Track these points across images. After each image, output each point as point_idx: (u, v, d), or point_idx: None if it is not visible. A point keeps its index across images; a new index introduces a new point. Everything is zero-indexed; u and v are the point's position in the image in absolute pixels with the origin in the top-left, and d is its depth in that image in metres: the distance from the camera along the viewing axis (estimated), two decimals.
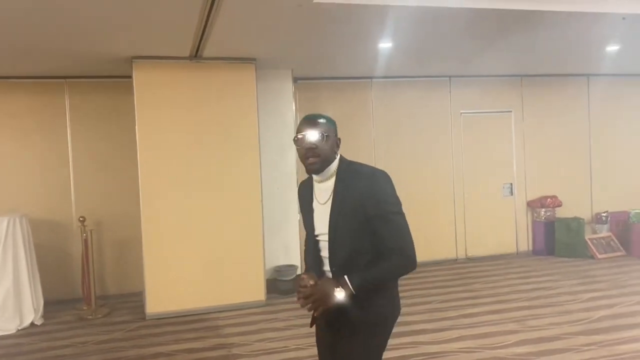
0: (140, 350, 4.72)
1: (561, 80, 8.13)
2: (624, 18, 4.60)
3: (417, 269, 2.22)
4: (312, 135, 2.14)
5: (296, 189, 6.53)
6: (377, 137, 7.44)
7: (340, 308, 2.06)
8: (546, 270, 7.01)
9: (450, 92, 7.75)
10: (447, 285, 6.43)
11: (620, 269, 6.93)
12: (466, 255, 7.83)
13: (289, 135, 6.42)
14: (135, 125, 5.55)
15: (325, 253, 2.21)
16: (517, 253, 8.05)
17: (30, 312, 5.53)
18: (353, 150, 6.24)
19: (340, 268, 2.12)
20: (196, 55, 5.57)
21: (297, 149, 2.21)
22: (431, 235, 7.53)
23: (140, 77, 5.56)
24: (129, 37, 4.86)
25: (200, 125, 5.74)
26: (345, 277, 2.04)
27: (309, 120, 2.20)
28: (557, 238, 7.79)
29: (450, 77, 7.71)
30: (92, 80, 6.49)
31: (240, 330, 5.13)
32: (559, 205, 7.95)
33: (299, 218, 6.62)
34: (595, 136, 8.30)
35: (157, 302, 5.63)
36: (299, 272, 6.48)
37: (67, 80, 6.44)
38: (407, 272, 2.10)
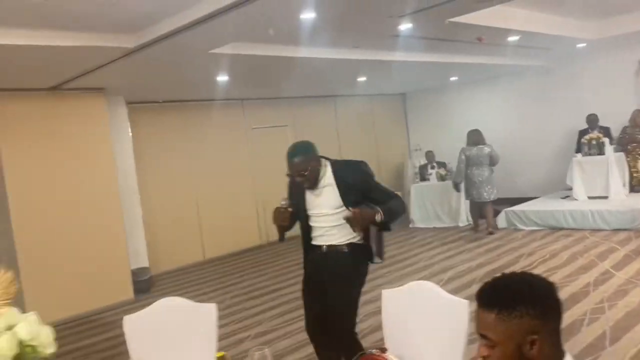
0: None
1: (319, 101, 10.74)
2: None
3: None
4: (298, 176, 2.93)
5: (139, 205, 7.51)
6: (195, 151, 8.77)
7: (325, 261, 3.01)
8: None
9: (243, 112, 9.59)
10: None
11: None
12: (267, 240, 9.70)
13: (129, 155, 7.42)
14: None
15: (315, 224, 3.04)
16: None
17: None
18: (186, 164, 7.70)
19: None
20: (55, 87, 6.19)
21: None
22: (236, 224, 9.24)
23: (1, 110, 5.92)
24: None
25: (61, 150, 6.37)
26: (379, 208, 2.88)
27: (290, 162, 2.93)
28: None
29: (242, 99, 9.54)
30: None
31: None
32: None
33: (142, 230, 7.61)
34: (342, 139, 11.16)
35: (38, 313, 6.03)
36: (151, 273, 7.47)
37: None
38: (404, 210, 3.00)
